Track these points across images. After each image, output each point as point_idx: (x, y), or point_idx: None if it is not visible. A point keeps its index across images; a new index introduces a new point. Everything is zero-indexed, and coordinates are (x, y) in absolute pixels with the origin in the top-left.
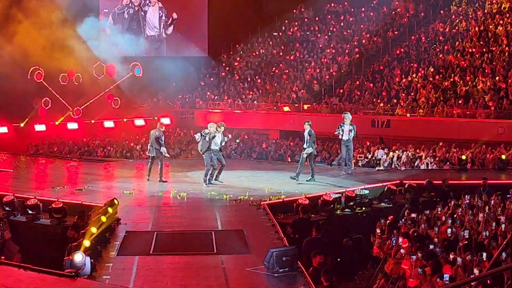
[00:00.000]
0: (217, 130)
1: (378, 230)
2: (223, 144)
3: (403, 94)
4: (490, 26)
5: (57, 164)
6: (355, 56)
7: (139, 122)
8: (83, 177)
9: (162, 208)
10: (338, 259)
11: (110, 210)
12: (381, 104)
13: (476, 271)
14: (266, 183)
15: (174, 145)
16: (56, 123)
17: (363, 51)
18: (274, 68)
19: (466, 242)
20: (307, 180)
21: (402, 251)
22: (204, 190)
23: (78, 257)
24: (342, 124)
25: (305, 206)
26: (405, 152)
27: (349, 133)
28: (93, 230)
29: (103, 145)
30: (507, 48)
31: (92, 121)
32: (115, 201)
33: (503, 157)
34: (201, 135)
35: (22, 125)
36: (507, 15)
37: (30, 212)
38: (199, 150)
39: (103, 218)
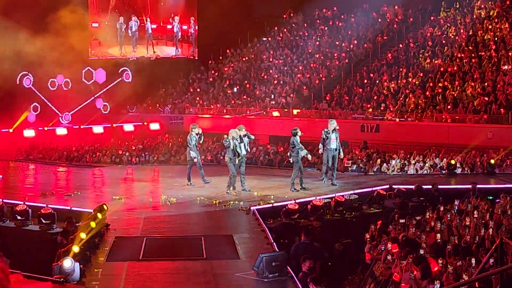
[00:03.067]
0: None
1: (367, 236)
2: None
3: (392, 99)
4: (479, 32)
5: (47, 170)
6: (345, 61)
7: (128, 127)
8: (72, 182)
9: (152, 214)
10: (330, 264)
11: (99, 215)
12: (370, 109)
13: (465, 276)
14: (256, 188)
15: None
16: (45, 128)
17: (352, 56)
18: (263, 73)
19: (455, 247)
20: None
21: (389, 257)
22: (193, 195)
23: (67, 263)
24: (331, 131)
25: (287, 211)
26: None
27: (336, 142)
28: (82, 235)
29: (92, 150)
30: (495, 54)
31: (81, 127)
32: (105, 207)
33: (492, 161)
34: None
35: (11, 130)
36: (496, 20)
37: (19, 218)
38: (227, 161)
39: (93, 224)
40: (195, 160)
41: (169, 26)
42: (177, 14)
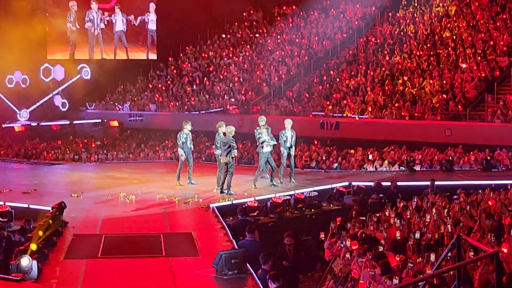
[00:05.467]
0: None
1: (322, 235)
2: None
3: (352, 96)
4: (437, 30)
5: (4, 167)
6: (304, 59)
7: (87, 125)
8: (30, 180)
9: (111, 211)
10: (303, 253)
11: (57, 213)
12: (330, 107)
13: (428, 271)
14: (215, 185)
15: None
16: (3, 125)
17: (312, 54)
18: (223, 71)
19: (416, 243)
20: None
21: (347, 255)
22: (153, 192)
23: (25, 261)
24: (284, 131)
25: (243, 208)
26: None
27: (291, 140)
28: (40, 233)
29: (50, 148)
30: (453, 51)
31: (40, 124)
32: (63, 204)
33: (450, 158)
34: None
35: None
36: (454, 18)
37: None
38: (228, 161)
39: (51, 222)
40: (182, 158)
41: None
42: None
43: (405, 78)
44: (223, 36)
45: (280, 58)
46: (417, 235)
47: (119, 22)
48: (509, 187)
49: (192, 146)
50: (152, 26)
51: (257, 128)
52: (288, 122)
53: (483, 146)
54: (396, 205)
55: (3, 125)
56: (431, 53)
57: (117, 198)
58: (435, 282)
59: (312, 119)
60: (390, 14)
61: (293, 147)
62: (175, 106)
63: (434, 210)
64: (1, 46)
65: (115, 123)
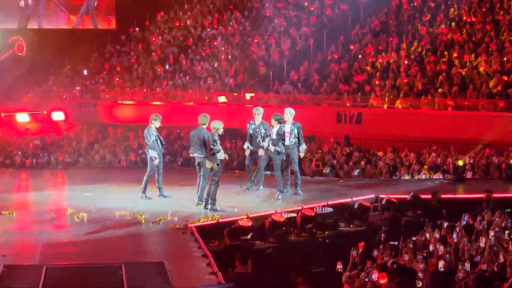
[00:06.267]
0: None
1: (339, 265)
2: None
3: (379, 79)
4: None
5: None
6: (315, 29)
7: (22, 117)
8: None
9: (54, 234)
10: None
11: None
12: (350, 93)
13: None
14: (195, 198)
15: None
16: None
17: (325, 22)
18: (205, 45)
19: (465, 276)
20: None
21: None
22: (112, 208)
23: None
24: (282, 125)
25: (231, 230)
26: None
27: (290, 136)
28: None
29: None
30: None
31: None
32: None
33: None
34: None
35: None
36: None
37: None
38: (213, 167)
39: None
40: (156, 161)
41: None
42: None
43: (454, 55)
44: None
45: (282, 28)
46: (467, 266)
47: None
48: None
49: (162, 147)
50: None
51: (251, 122)
52: (289, 113)
53: None
54: (439, 225)
55: None
56: (487, 20)
57: (63, 216)
58: None
59: (326, 110)
60: None
61: (301, 146)
62: (141, 93)
63: (491, 232)
64: None
65: (60, 116)
